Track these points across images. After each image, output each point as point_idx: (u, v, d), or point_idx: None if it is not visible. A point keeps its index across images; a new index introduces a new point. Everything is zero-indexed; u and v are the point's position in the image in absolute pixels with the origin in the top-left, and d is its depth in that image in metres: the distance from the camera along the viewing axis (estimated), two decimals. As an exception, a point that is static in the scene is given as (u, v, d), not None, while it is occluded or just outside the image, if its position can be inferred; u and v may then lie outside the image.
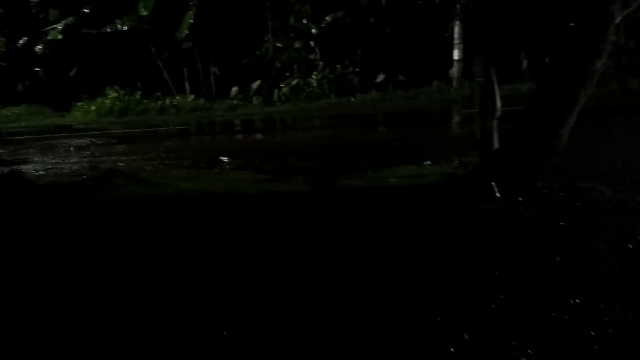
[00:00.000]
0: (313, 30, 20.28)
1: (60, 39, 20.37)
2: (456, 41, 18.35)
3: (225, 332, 2.41)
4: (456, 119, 13.82)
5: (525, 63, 18.59)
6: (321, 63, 19.87)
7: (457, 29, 18.28)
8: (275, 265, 3.16)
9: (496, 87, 5.06)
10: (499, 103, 5.03)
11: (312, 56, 20.50)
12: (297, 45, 20.62)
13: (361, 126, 13.56)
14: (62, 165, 7.78)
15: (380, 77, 19.52)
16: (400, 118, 14.78)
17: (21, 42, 20.54)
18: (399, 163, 6.55)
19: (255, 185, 5.53)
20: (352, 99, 18.50)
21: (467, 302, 2.64)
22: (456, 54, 18.48)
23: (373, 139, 10.27)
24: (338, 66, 19.58)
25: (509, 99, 5.63)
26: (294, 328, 2.44)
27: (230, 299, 2.74)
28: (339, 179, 5.74)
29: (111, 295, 2.82)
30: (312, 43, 20.53)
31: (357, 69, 19.69)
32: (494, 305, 2.59)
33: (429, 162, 6.45)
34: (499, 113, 5.04)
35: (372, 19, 19.83)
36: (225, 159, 7.49)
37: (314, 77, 19.52)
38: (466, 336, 2.32)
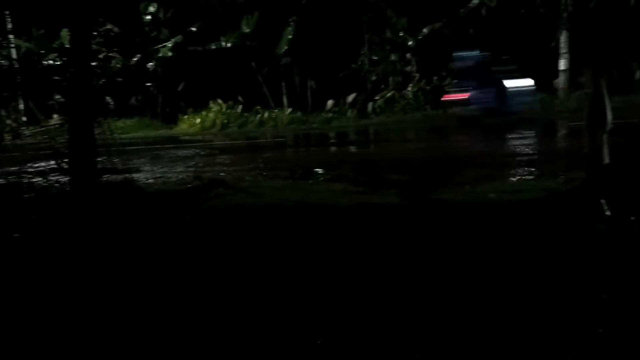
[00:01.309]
0: (409, 43, 20.17)
1: (170, 56, 21.80)
2: (562, 51, 17.51)
3: (319, 341, 2.44)
4: (562, 131, 13.13)
5: (638, 73, 17.36)
6: (417, 75, 19.69)
7: (563, 38, 17.45)
8: (366, 279, 3.16)
9: (606, 99, 4.76)
10: (609, 115, 4.72)
11: (407, 68, 20.39)
12: (393, 57, 20.60)
13: (458, 138, 13.25)
14: (170, 175, 8.28)
15: (479, 89, 19.00)
16: (501, 130, 14.26)
17: (135, 59, 22.19)
18: (499, 177, 6.32)
19: (348, 197, 5.57)
20: (450, 111, 18.13)
21: (573, 326, 2.49)
22: (562, 64, 17.62)
23: (471, 152, 10.00)
24: (435, 78, 19.30)
25: (621, 111, 5.27)
26: (386, 348, 2.43)
27: (320, 309, 2.78)
28: (434, 192, 5.64)
29: (217, 298, 2.96)
30: (408, 55, 20.42)
31: (455, 80, 19.30)
32: (601, 330, 2.43)
33: (531, 177, 6.18)
34: (609, 126, 4.72)
35: (471, 30, 19.39)
36: (319, 170, 7.62)
37: (409, 89, 19.38)
38: (570, 362, 2.20)
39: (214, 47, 21.45)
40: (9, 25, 21.23)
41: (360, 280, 3.14)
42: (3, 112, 22.49)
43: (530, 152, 9.25)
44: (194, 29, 21.50)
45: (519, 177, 6.27)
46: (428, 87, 19.18)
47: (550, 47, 17.87)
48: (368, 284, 3.08)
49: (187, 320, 2.71)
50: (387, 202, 5.28)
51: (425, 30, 19.80)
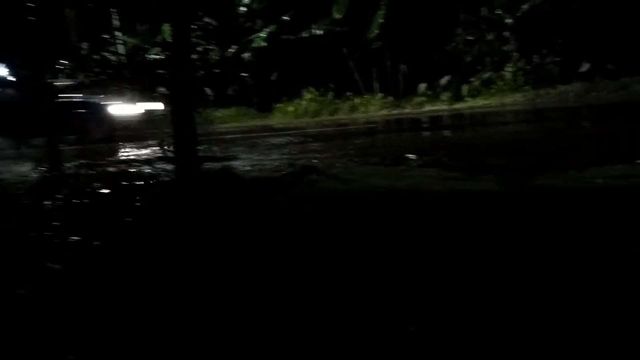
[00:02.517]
0: (507, 20, 19.25)
1: (264, 46, 22.36)
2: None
3: (412, 328, 2.42)
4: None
5: None
6: (516, 54, 18.78)
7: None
8: (461, 272, 3.08)
9: None
10: None
11: (505, 47, 19.50)
12: (489, 37, 19.80)
13: (562, 120, 12.51)
14: (265, 162, 8.52)
15: (585, 66, 17.79)
16: (609, 111, 13.31)
17: (231, 50, 22.98)
18: (607, 162, 5.90)
19: (441, 183, 5.44)
20: (552, 91, 17.17)
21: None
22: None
23: (576, 135, 9.42)
24: (535, 56, 18.31)
25: None
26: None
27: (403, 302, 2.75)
28: (535, 178, 5.37)
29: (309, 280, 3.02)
30: (506, 34, 19.52)
31: (557, 59, 18.21)
32: None
33: (643, 161, 5.72)
34: None
35: (574, 5, 18.17)
36: (411, 156, 7.51)
37: (507, 69, 18.55)
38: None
39: (305, 35, 21.73)
40: (117, 23, 22.77)
41: (453, 271, 3.07)
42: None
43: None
44: (286, 18, 21.88)
45: (629, 162, 5.82)
46: (528, 67, 18.26)
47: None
48: (459, 275, 3.01)
49: (290, 290, 2.79)
50: (483, 188, 5.10)
51: (524, 6, 18.81)
